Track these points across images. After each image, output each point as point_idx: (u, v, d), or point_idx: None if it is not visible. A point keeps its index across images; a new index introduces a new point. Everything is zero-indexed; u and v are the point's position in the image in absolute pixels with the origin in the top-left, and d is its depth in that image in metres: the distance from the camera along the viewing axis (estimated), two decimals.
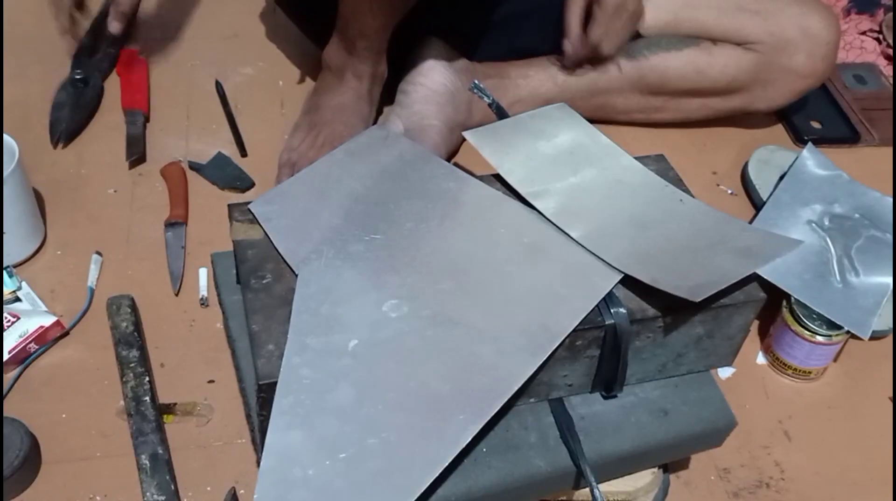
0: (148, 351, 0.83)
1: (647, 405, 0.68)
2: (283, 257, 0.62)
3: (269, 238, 0.64)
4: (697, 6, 1.06)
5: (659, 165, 0.77)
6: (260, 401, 0.57)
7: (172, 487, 0.72)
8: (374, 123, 1.06)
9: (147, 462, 0.73)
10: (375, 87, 1.04)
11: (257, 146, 1.09)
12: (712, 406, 0.69)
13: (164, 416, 0.78)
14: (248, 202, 0.67)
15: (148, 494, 0.71)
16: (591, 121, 1.13)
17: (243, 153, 1.08)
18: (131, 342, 0.82)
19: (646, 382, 0.69)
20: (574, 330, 0.61)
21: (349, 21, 0.97)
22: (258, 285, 0.61)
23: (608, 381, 0.66)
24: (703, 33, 1.06)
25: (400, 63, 1.07)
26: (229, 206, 0.66)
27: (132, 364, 0.80)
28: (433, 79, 1.04)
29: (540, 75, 1.09)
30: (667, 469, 0.75)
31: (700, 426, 0.68)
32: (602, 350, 0.64)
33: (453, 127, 1.04)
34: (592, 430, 0.66)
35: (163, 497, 0.71)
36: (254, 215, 0.66)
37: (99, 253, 0.92)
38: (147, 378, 0.79)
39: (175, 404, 0.79)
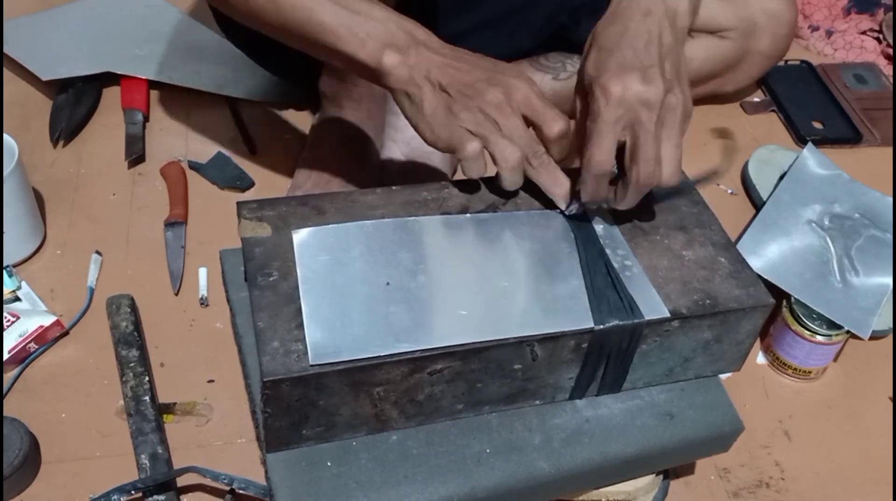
0: (148, 351, 0.83)
1: (653, 409, 0.67)
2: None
3: (276, 236, 0.65)
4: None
5: None
6: (265, 398, 0.57)
7: (172, 487, 0.72)
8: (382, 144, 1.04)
9: (147, 462, 0.73)
10: (376, 107, 1.01)
11: (258, 146, 1.09)
12: (719, 411, 0.68)
13: (164, 416, 0.78)
14: (257, 200, 0.67)
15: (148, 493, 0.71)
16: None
17: (252, 151, 1.08)
18: (131, 342, 0.82)
19: (653, 386, 0.69)
20: (580, 332, 0.61)
21: None
22: (265, 282, 0.61)
23: (613, 384, 0.66)
24: None
25: None
26: (238, 203, 0.66)
27: (132, 364, 0.80)
28: None
29: None
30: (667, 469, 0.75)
31: (706, 431, 0.68)
32: (610, 353, 0.64)
33: None
34: (597, 433, 0.65)
35: (162, 497, 0.71)
36: (262, 213, 0.66)
37: (99, 253, 0.92)
38: (147, 378, 0.79)
39: (175, 404, 0.79)
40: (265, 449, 0.61)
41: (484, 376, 0.61)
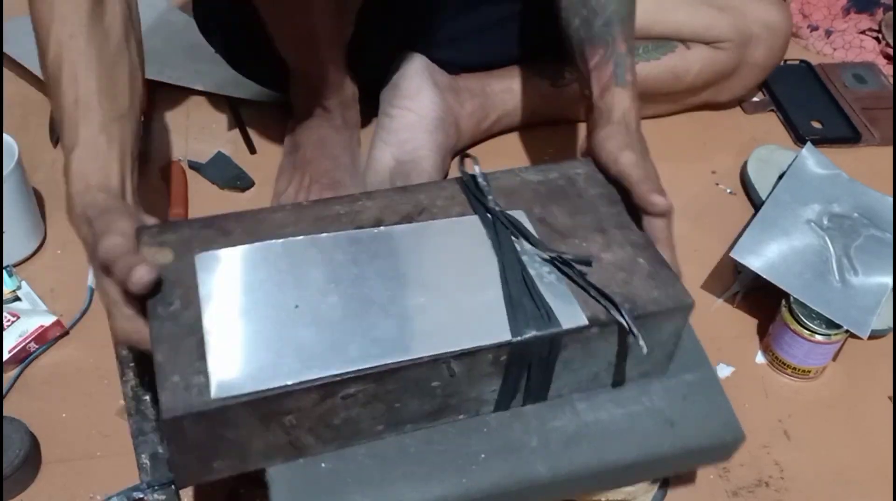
0: None
1: (654, 416, 0.66)
2: None
3: (178, 261, 0.61)
4: (670, 8, 1.08)
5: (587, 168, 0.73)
6: (166, 436, 0.53)
7: (172, 487, 0.72)
8: (358, 143, 1.03)
9: (147, 462, 0.73)
10: (348, 111, 1.01)
11: (258, 145, 1.09)
12: (720, 419, 0.67)
13: None
14: (158, 224, 0.63)
15: (148, 493, 0.71)
16: (571, 123, 1.15)
17: (252, 151, 1.08)
18: None
19: (580, 391, 0.66)
20: (497, 345, 0.59)
21: (294, 63, 0.96)
22: (164, 312, 0.57)
23: (539, 393, 0.64)
24: (675, 34, 1.08)
25: (377, 74, 1.05)
26: (138, 229, 0.62)
27: (132, 364, 0.80)
28: (421, 103, 1.00)
29: (524, 88, 1.09)
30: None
31: (707, 440, 0.66)
32: (531, 363, 0.61)
33: (445, 154, 1.02)
34: (596, 437, 0.64)
35: (163, 497, 0.71)
36: (162, 238, 0.62)
37: None
38: (147, 378, 0.79)
39: None
40: (176, 486, 0.59)
41: (402, 395, 0.59)
